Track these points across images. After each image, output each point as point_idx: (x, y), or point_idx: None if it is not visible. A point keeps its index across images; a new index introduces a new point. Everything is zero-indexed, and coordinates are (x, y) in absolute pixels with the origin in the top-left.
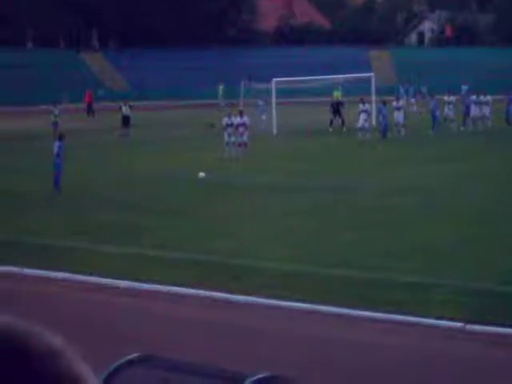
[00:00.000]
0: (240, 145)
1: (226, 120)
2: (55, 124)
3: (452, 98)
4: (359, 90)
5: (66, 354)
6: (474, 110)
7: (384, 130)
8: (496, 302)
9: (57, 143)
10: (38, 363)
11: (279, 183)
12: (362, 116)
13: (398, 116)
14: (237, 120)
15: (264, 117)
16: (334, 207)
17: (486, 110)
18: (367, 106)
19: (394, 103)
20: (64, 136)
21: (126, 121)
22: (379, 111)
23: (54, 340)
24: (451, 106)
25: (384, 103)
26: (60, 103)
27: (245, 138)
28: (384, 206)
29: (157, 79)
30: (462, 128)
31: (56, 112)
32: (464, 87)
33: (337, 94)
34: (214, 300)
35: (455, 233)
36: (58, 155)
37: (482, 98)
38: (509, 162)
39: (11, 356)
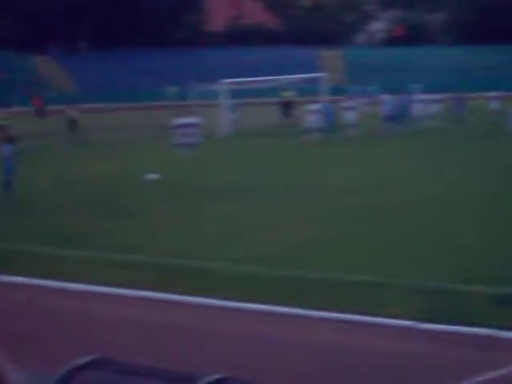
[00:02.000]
0: (191, 145)
1: (175, 120)
2: (2, 127)
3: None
4: (310, 90)
5: None
6: (419, 108)
7: (331, 128)
8: (448, 300)
9: (7, 146)
10: None
11: (238, 183)
12: (310, 116)
13: (349, 115)
14: (187, 120)
15: (233, 116)
16: (288, 207)
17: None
18: (317, 105)
19: (345, 103)
20: (14, 139)
21: (73, 124)
22: (327, 111)
23: None
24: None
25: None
26: (11, 106)
27: (194, 138)
28: (346, 204)
29: (106, 82)
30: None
31: (4, 115)
32: (415, 86)
33: (286, 94)
34: (163, 301)
35: (406, 231)
36: (8, 158)
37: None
38: (459, 158)
39: None
